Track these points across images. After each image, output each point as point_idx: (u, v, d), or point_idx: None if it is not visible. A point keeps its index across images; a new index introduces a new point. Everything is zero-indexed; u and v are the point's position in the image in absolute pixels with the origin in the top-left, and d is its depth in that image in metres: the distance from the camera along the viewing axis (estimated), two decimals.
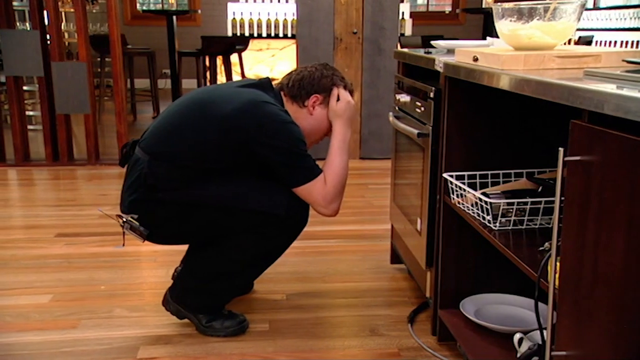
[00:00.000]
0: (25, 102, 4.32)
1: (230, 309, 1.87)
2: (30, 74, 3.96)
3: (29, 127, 4.23)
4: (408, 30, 7.10)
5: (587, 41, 4.35)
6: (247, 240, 1.71)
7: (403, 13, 7.03)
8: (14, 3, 4.19)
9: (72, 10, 5.15)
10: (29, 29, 5.23)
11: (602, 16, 5.70)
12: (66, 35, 5.68)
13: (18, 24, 5.12)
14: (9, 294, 2.07)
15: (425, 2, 8.85)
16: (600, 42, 5.57)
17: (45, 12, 3.89)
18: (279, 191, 1.70)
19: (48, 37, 3.89)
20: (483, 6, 5.57)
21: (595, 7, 6.06)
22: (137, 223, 1.69)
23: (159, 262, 2.34)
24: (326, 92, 1.79)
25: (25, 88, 4.34)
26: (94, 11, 6.60)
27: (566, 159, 0.94)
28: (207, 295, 1.82)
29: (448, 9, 8.63)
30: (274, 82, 1.83)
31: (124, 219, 1.71)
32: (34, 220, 2.88)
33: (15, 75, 3.88)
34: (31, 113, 5.05)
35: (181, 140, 1.67)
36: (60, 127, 3.94)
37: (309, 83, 1.78)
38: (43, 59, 3.83)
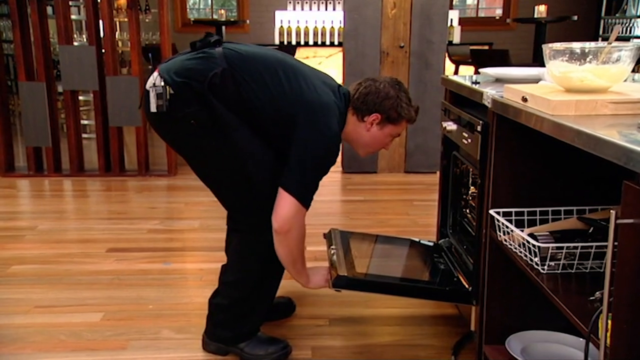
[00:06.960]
0: (81, 108, 4.48)
1: (271, 335, 1.90)
2: (87, 88, 4.10)
3: (84, 135, 4.37)
4: (456, 38, 6.97)
5: None
6: (247, 257, 1.78)
7: (452, 20, 6.90)
8: (72, 17, 4.35)
9: (125, 20, 5.31)
10: (85, 40, 5.44)
11: None
12: (120, 44, 5.85)
13: (75, 34, 5.31)
14: (63, 310, 2.16)
15: (475, 6, 8.70)
16: None
17: (100, 23, 4.01)
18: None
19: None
20: (535, 16, 5.43)
21: None
22: (167, 96, 1.62)
23: (204, 281, 2.39)
24: (386, 114, 1.78)
25: (80, 98, 4.49)
26: (147, 20, 6.78)
27: (619, 221, 0.91)
28: (238, 323, 1.83)
29: (499, 11, 8.45)
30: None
31: (162, 84, 1.63)
32: (87, 234, 2.98)
33: (73, 89, 4.03)
34: (86, 122, 5.24)
35: (259, 78, 1.65)
36: (112, 139, 4.07)
37: (372, 100, 1.77)
38: (98, 72, 3.97)
